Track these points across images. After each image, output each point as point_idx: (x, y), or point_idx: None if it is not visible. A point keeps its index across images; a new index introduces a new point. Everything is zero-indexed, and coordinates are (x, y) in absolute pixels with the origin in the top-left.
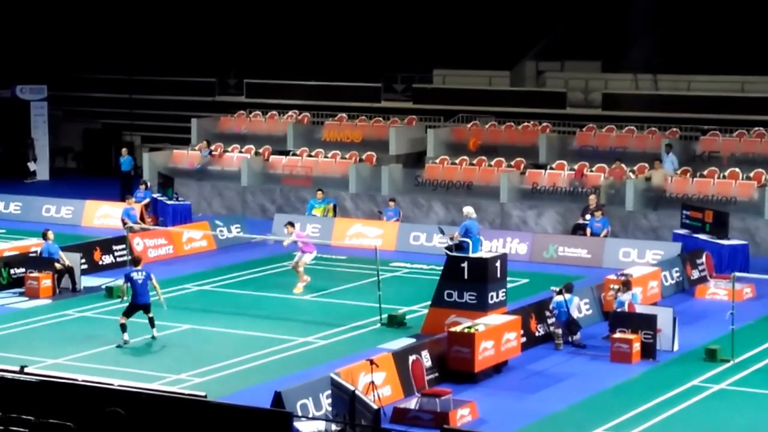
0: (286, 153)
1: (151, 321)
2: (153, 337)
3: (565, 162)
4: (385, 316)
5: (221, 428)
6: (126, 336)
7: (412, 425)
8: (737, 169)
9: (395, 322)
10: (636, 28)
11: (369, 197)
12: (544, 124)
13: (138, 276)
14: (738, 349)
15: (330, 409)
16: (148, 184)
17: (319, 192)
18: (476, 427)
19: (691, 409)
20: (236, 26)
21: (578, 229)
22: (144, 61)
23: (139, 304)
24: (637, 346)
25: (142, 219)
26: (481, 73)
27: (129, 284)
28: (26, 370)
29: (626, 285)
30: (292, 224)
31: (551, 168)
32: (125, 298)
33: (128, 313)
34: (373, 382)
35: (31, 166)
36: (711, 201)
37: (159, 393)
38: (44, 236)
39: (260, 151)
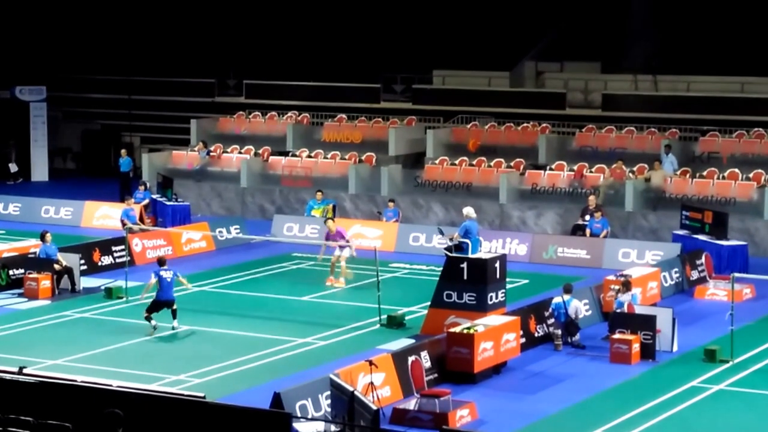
0: (285, 154)
1: (174, 313)
2: (173, 328)
3: (564, 163)
4: (384, 316)
5: (220, 429)
6: (154, 322)
7: (411, 426)
8: (737, 170)
9: (394, 323)
10: (635, 28)
11: (368, 198)
12: (544, 124)
13: (166, 274)
14: (737, 349)
15: (329, 409)
16: (148, 184)
17: (319, 193)
18: (475, 428)
19: (690, 410)
20: (235, 27)
21: (578, 230)
22: (143, 62)
23: (162, 300)
24: (636, 347)
25: (141, 220)
26: (481, 73)
27: (157, 281)
28: (25, 371)
29: (626, 286)
30: (332, 219)
31: (551, 169)
32: (144, 296)
33: (151, 309)
34: (372, 383)
35: (12, 167)
36: (710, 202)
37: (158, 394)
38: (42, 238)
39: (259, 151)
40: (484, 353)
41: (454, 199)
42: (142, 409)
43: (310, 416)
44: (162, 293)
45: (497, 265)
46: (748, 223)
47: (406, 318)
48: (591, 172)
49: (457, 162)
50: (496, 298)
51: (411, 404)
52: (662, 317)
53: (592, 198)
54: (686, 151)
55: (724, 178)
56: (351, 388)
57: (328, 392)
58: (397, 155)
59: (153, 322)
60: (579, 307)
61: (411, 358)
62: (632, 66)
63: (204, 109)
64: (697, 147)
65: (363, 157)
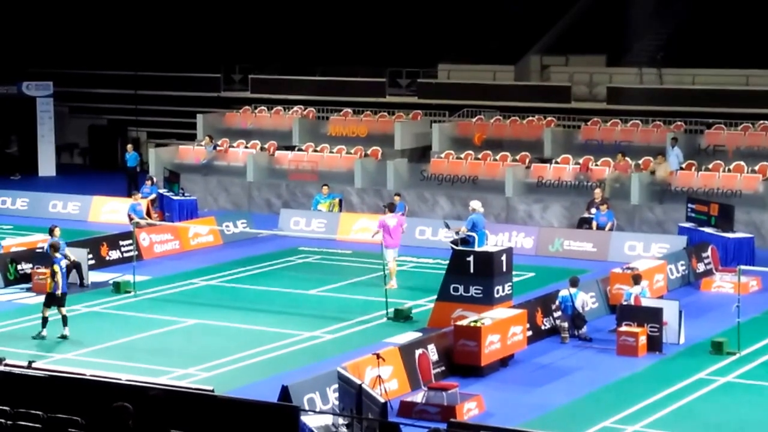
0: (291, 148)
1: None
2: (64, 336)
3: (570, 156)
4: (391, 310)
5: (229, 423)
6: (45, 331)
7: (418, 419)
8: (742, 163)
9: (401, 317)
10: (640, 22)
11: (374, 192)
12: (549, 118)
13: (64, 262)
14: (744, 341)
15: (337, 403)
16: (154, 179)
17: (325, 187)
18: (483, 421)
19: (697, 402)
20: (241, 21)
21: (584, 223)
22: (149, 56)
23: (65, 292)
24: (643, 339)
25: (148, 214)
26: (486, 67)
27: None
28: (34, 365)
29: (635, 279)
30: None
31: (556, 162)
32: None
33: (52, 303)
34: (379, 376)
35: None
36: (716, 194)
37: (167, 387)
38: (50, 232)
39: (266, 146)
40: (491, 346)
41: (460, 192)
42: (152, 403)
43: (318, 409)
44: (65, 283)
45: (503, 258)
46: (754, 215)
47: (413, 311)
48: (596, 165)
49: (462, 156)
50: (503, 291)
51: (418, 397)
52: (669, 310)
53: (598, 191)
54: (692, 144)
55: (729, 170)
56: (359, 382)
57: (336, 385)
58: (402, 149)
59: (44, 331)
60: (586, 300)
61: (418, 352)
62: (637, 59)
63: (210, 103)
64: (702, 140)
65: (369, 151)
